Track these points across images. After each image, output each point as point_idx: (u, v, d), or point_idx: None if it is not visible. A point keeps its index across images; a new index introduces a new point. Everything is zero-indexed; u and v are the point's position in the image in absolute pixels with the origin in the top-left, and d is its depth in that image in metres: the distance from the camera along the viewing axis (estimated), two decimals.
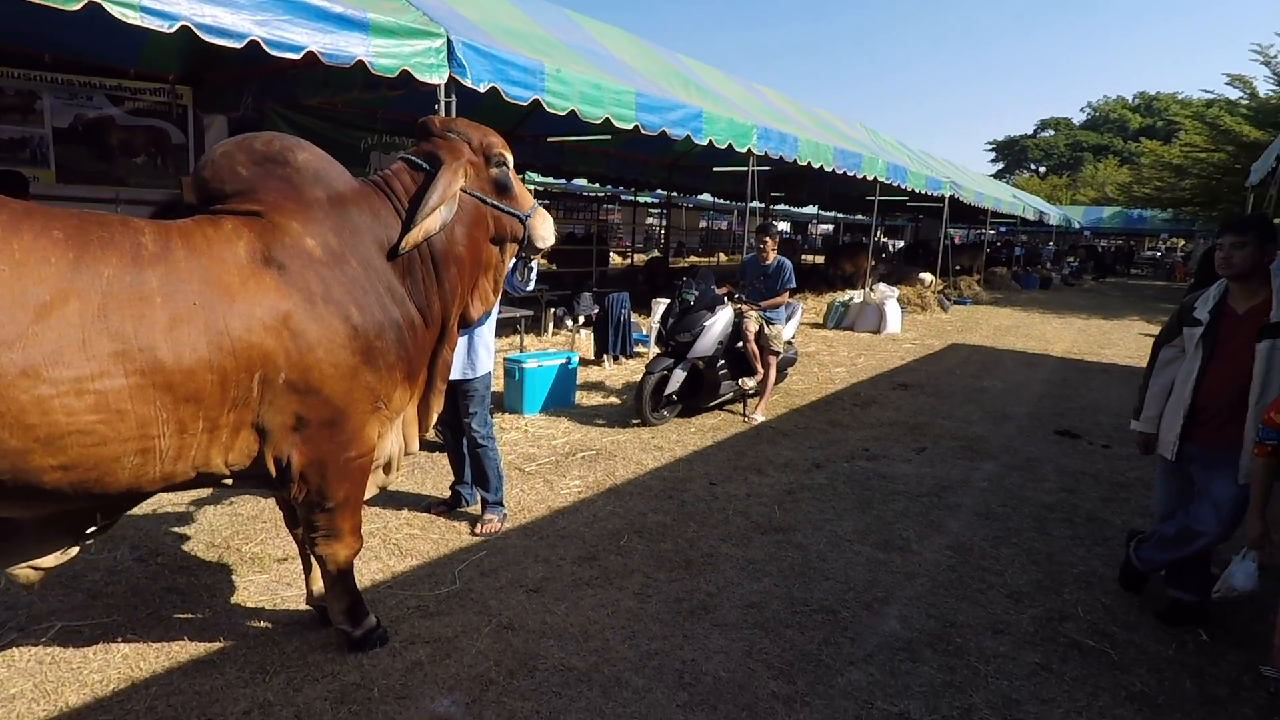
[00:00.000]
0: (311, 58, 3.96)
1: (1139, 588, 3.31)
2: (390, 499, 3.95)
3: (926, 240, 24.58)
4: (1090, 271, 26.49)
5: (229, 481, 2.27)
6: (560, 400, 5.85)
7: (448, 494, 3.95)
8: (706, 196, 21.31)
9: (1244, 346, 2.81)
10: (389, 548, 3.43)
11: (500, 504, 3.77)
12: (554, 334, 8.91)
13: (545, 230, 3.02)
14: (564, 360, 5.84)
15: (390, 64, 4.23)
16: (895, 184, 11.37)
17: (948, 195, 13.87)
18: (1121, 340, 11.50)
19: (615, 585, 3.17)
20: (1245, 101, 17.87)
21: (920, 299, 13.96)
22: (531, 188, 19.48)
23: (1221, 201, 18.73)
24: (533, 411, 5.67)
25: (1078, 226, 32.03)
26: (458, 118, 3.00)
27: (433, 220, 2.52)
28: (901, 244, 28.98)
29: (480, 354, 3.65)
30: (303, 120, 7.28)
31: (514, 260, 3.46)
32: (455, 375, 3.54)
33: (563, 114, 5.28)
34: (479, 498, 3.78)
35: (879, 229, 29.49)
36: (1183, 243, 35.26)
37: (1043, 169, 54.36)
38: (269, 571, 3.18)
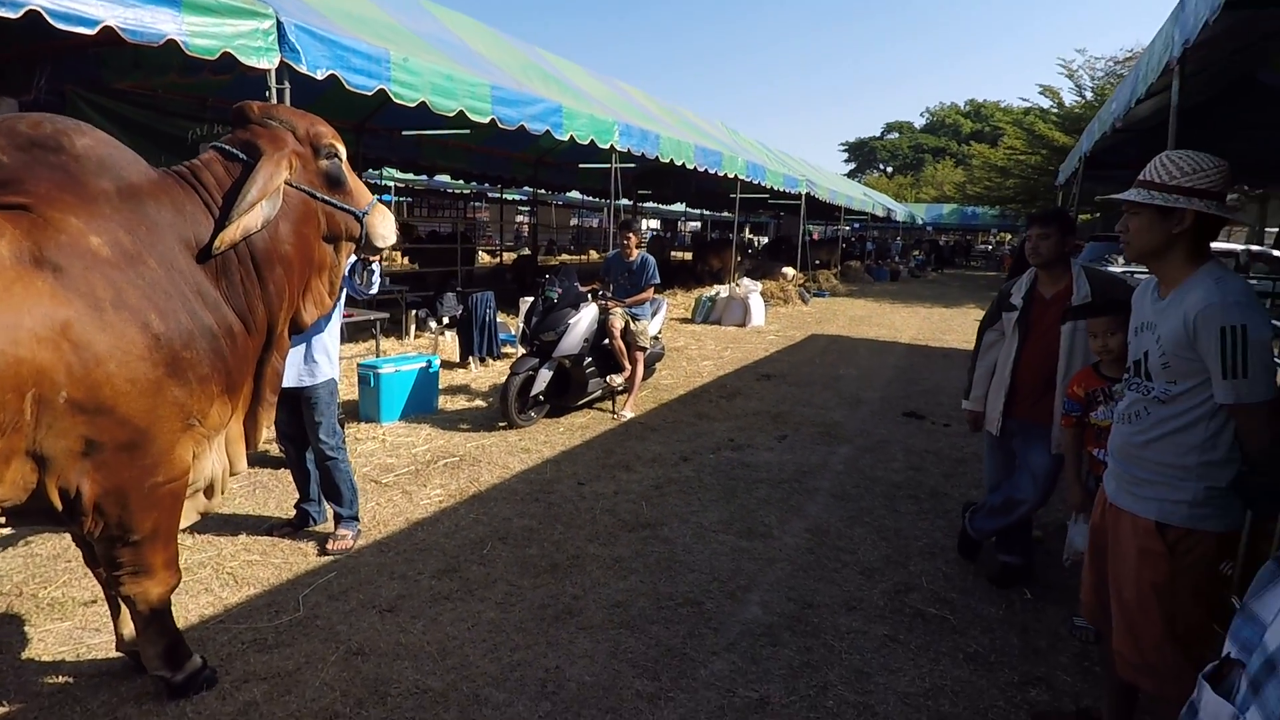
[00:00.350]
0: (112, 34, 3.52)
1: (974, 555, 3.58)
2: (225, 523, 3.60)
3: (788, 236, 25.73)
4: (933, 264, 28.73)
5: (1, 520, 1.95)
6: (422, 406, 5.59)
7: (293, 513, 3.65)
8: (576, 194, 21.24)
9: (1052, 328, 3.09)
10: (221, 577, 3.11)
11: (354, 518, 3.53)
12: (416, 337, 8.53)
13: (385, 229, 2.83)
14: (424, 364, 5.58)
15: (209, 45, 3.84)
16: (755, 182, 11.79)
17: (804, 193, 14.56)
18: (960, 326, 12.52)
19: (477, 596, 3.04)
20: (1055, 110, 20.00)
21: (783, 292, 14.58)
22: (392, 184, 18.60)
23: (1039, 199, 20.88)
24: (391, 419, 5.38)
25: (922, 222, 34.72)
26: (281, 104, 2.76)
27: (253, 217, 2.28)
28: (765, 240, 30.20)
29: (320, 359, 3.39)
30: (114, 106, 6.50)
31: (352, 261, 3.25)
32: (291, 383, 3.28)
33: (412, 105, 5.03)
34: (331, 513, 3.52)
35: (743, 226, 30.57)
36: (1009, 237, 39.08)
37: (890, 169, 58.46)
38: (72, 618, 2.79)
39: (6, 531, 3.33)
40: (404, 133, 10.22)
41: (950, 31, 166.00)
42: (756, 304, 11.60)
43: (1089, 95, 19.33)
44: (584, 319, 5.46)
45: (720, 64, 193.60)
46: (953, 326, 12.59)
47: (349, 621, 2.81)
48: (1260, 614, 0.73)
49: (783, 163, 14.85)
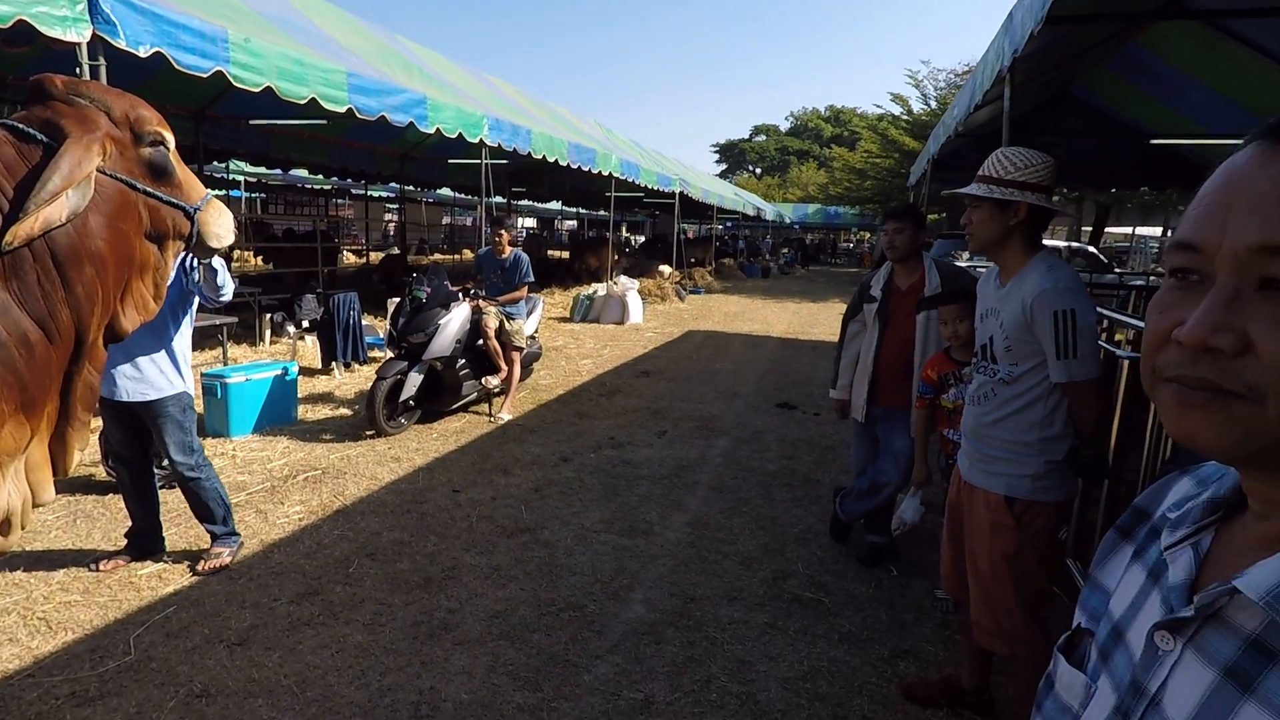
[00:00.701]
0: None
1: (845, 537, 3.72)
2: (36, 561, 3.15)
3: (664, 234, 26.17)
4: (800, 261, 30.15)
5: None
6: (278, 417, 5.17)
7: (122, 543, 3.25)
8: (447, 191, 20.57)
9: (909, 318, 3.26)
10: (31, 624, 2.70)
11: (233, 534, 3.28)
12: (272, 343, 7.92)
13: (221, 226, 2.54)
14: (280, 371, 5.16)
15: (1, 11, 3.33)
16: (630, 180, 11.85)
17: (679, 192, 14.82)
18: (827, 320, 13.18)
19: (342, 619, 2.81)
20: (905, 117, 21.50)
21: (660, 290, 14.78)
22: (240, 178, 17.23)
23: (893, 199, 22.35)
24: (243, 433, 4.93)
25: (789, 221, 36.38)
26: (93, 81, 2.42)
27: (55, 208, 1.96)
28: (642, 239, 30.57)
29: (166, 371, 3.05)
30: None
31: (191, 263, 2.93)
32: (129, 397, 2.93)
33: (257, 91, 4.61)
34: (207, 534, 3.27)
35: (620, 224, 30.78)
36: (868, 235, 41.75)
37: (759, 170, 60.85)
38: None
39: None
40: (251, 122, 9.46)
41: (812, 40, 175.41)
42: (634, 302, 11.67)
43: (933, 104, 20.92)
44: (455, 319, 5.25)
45: (594, 68, 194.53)
46: (820, 320, 13.23)
47: (191, 660, 2.52)
48: (1105, 582, 0.74)
49: (657, 162, 15.04)
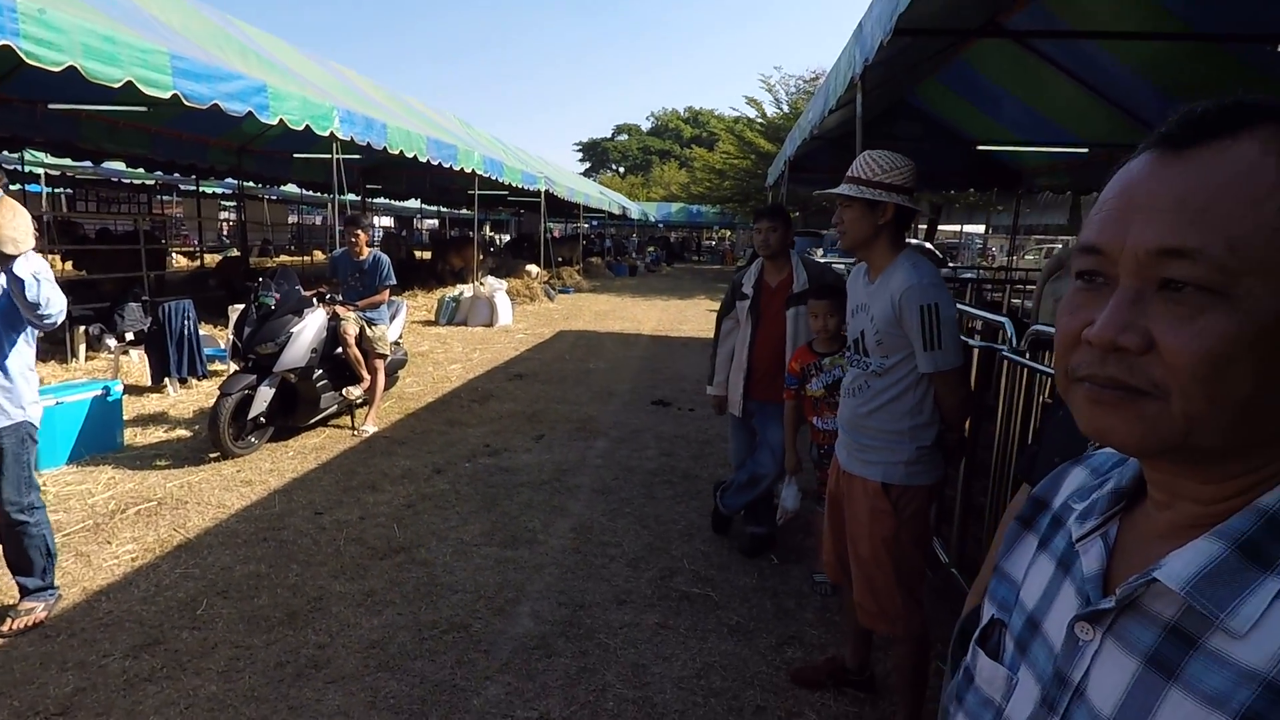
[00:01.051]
0: None
1: (726, 529, 3.80)
2: None
3: (530, 233, 25.86)
4: (665, 260, 30.77)
5: None
6: (100, 444, 4.56)
7: None
8: (293, 188, 19.18)
9: (780, 313, 3.36)
10: None
11: (51, 587, 2.85)
12: (89, 359, 7.01)
13: (14, 228, 2.19)
14: (99, 391, 4.55)
15: None
16: (494, 178, 11.54)
17: (544, 190, 14.64)
18: (694, 316, 13.52)
19: (190, 670, 2.50)
20: (759, 120, 22.44)
21: (529, 290, 14.55)
22: (41, 171, 15.16)
23: (752, 199, 23.32)
24: (55, 464, 4.30)
25: (654, 220, 37.03)
26: None
27: None
28: (507, 238, 30.04)
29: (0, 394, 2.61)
30: None
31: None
32: None
33: (58, 70, 4.03)
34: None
35: (484, 223, 30.09)
36: (729, 233, 43.33)
37: (622, 169, 61.49)
38: None
39: None
40: (51, 106, 8.31)
41: (671, 41, 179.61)
42: (503, 303, 11.41)
43: (785, 108, 22.00)
44: (309, 327, 4.86)
45: (445, 60, 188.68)
46: (688, 316, 13.54)
47: None
48: (1012, 573, 0.76)
49: (521, 160, 14.77)
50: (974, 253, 23.97)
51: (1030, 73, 6.55)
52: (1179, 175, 0.52)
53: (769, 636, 2.86)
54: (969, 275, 9.71)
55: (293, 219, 31.17)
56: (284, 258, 23.14)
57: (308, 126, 6.24)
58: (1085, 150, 7.64)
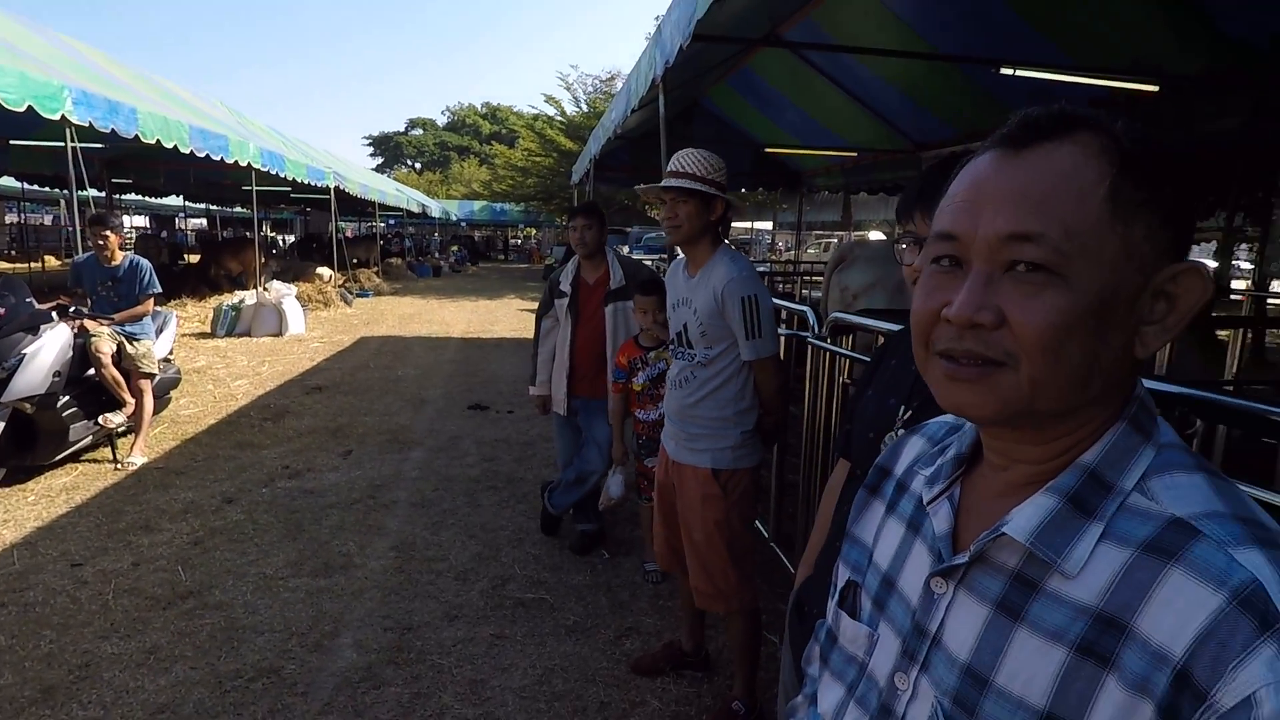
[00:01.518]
0: None
1: (556, 530, 3.77)
2: None
3: (319, 234, 23.94)
4: (469, 259, 29.91)
5: None
6: None
7: None
8: (11, 181, 16.13)
9: (598, 311, 3.39)
10: None
11: None
12: None
13: None
14: None
15: None
16: (273, 172, 10.51)
17: (333, 186, 13.60)
18: (505, 317, 13.28)
19: None
20: (560, 118, 22.51)
21: (322, 295, 13.46)
22: None
23: (556, 197, 23.35)
24: None
25: (456, 219, 35.84)
26: None
27: None
28: (293, 238, 27.56)
29: None
30: None
31: None
32: None
33: None
34: None
35: (263, 223, 27.42)
36: (535, 231, 43.03)
37: (418, 165, 58.90)
38: None
39: None
40: None
41: (464, 33, 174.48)
42: (293, 309, 10.44)
43: (584, 107, 22.26)
44: (49, 346, 4.10)
45: (201, 40, 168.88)
46: (499, 317, 13.28)
47: None
48: (862, 537, 0.82)
49: (305, 153, 13.57)
50: (764, 248, 26.01)
51: (806, 82, 7.19)
52: (1021, 171, 0.58)
53: (607, 631, 2.88)
54: (762, 269, 10.47)
55: (12, 218, 26.26)
56: (2, 264, 19.43)
57: (30, 108, 5.26)
58: (855, 154, 8.53)
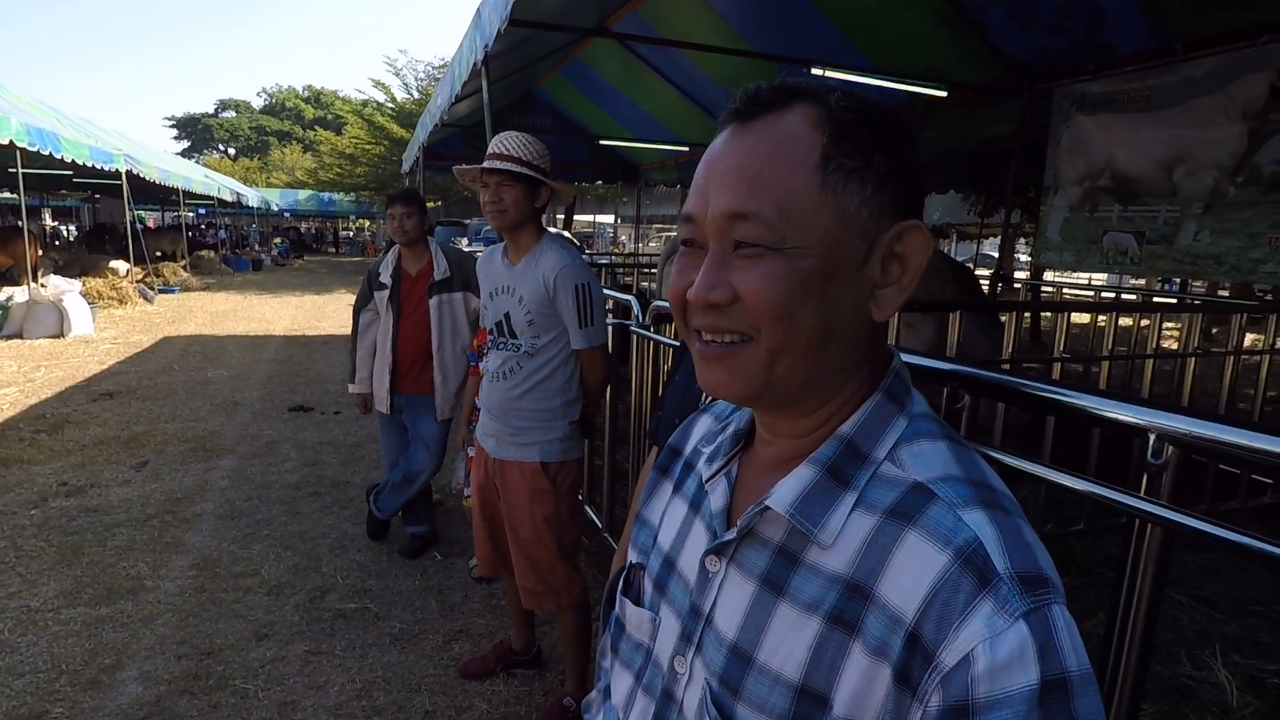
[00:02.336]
0: None
1: (384, 534, 3.57)
2: None
3: (113, 224, 21.22)
4: (292, 252, 27.69)
5: None
6: None
7: None
8: None
9: (422, 303, 3.23)
10: None
11: None
12: None
13: None
14: None
15: None
16: (46, 152, 9.12)
17: (125, 171, 12.04)
18: (335, 312, 12.42)
19: None
20: (389, 104, 21.37)
21: (116, 291, 11.93)
22: None
23: (388, 187, 22.14)
24: None
25: (278, 208, 33.06)
26: None
27: None
28: (79, 228, 24.20)
29: None
30: None
31: None
32: None
33: None
34: None
35: (39, 210, 23.92)
36: (368, 223, 40.61)
37: (232, 151, 53.79)
38: None
39: None
40: None
41: (285, 16, 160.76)
42: (77, 307, 9.15)
43: (415, 93, 21.30)
44: None
45: None
46: (328, 313, 12.42)
47: None
48: (650, 519, 0.80)
49: (88, 133, 11.89)
50: (606, 240, 26.26)
51: (637, 76, 7.30)
52: (741, 147, 0.58)
53: (435, 637, 2.76)
54: (604, 261, 10.56)
55: None
56: None
57: None
58: (687, 148, 8.79)
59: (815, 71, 4.97)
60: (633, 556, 0.80)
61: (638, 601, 0.75)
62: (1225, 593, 3.03)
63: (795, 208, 0.55)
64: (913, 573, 0.51)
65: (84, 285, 10.65)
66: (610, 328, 3.06)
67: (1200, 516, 0.97)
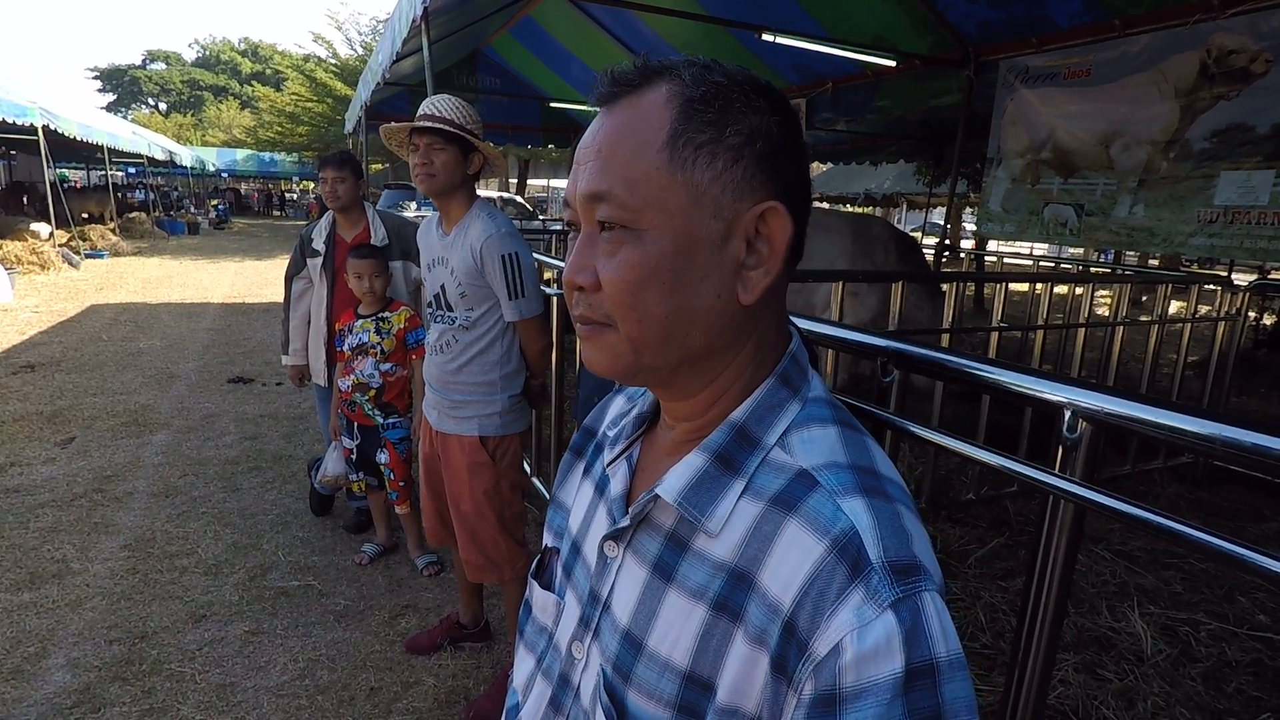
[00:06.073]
0: None
1: (328, 509, 3.50)
2: None
3: (31, 183, 19.99)
4: (227, 215, 26.50)
5: None
6: None
7: None
8: None
9: None
10: None
11: None
12: None
13: None
14: None
15: None
16: None
17: (42, 125, 11.30)
18: (277, 279, 12.00)
19: None
20: (332, 60, 20.47)
21: (37, 256, 11.29)
22: None
23: (333, 147, 21.32)
24: None
25: (216, 169, 31.61)
26: None
27: None
28: None
29: None
30: None
31: None
32: None
33: None
34: None
35: None
36: (312, 185, 39.18)
37: (163, 105, 51.03)
38: None
39: None
40: None
41: None
42: None
43: (359, 49, 20.44)
44: None
45: None
46: (270, 279, 12.00)
47: None
48: (565, 501, 0.79)
49: None
50: (560, 206, 25.86)
51: (589, 36, 7.13)
52: (602, 128, 0.57)
53: (381, 613, 2.73)
54: (557, 227, 10.40)
55: None
56: None
57: None
58: None
59: (766, 37, 4.92)
60: (548, 539, 0.80)
61: (547, 586, 0.75)
62: (1143, 547, 3.20)
63: (646, 185, 0.54)
64: (791, 562, 0.52)
65: (1, 249, 10.05)
66: (555, 299, 3.01)
67: (1110, 494, 1.01)
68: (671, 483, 0.59)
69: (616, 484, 0.67)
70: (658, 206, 0.54)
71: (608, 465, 0.70)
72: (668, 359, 0.58)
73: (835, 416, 0.60)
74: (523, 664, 0.77)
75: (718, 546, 0.56)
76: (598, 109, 0.59)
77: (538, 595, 0.76)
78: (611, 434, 0.73)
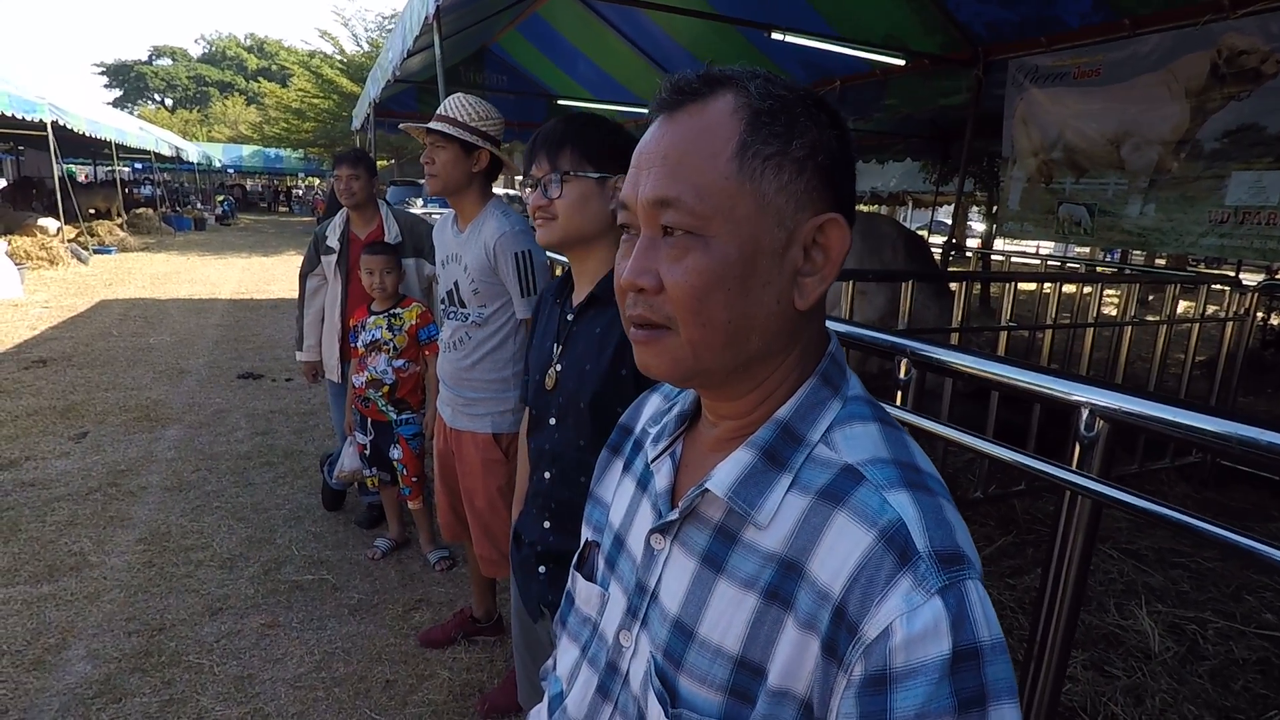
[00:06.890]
0: None
1: (340, 505, 3.53)
2: None
3: (40, 178, 20.10)
4: (233, 211, 26.55)
5: None
6: None
7: None
8: None
9: None
10: None
11: None
12: None
13: None
14: None
15: None
16: None
17: (50, 121, 11.36)
18: (284, 275, 12.05)
19: None
20: (339, 56, 20.50)
21: (46, 251, 11.35)
22: None
23: (338, 143, 21.36)
24: None
25: (221, 165, 31.69)
26: None
27: None
28: (1, 182, 22.86)
29: None
30: None
31: None
32: None
33: None
34: None
35: None
36: (319, 181, 39.21)
37: (169, 101, 51.16)
38: None
39: None
40: None
41: None
42: (2, 268, 8.70)
43: (365, 45, 20.46)
44: None
45: None
46: (276, 275, 12.05)
47: None
48: (603, 497, 0.82)
49: (4, 78, 11.15)
50: None
51: (598, 35, 7.14)
52: (667, 135, 0.59)
53: (395, 607, 2.76)
54: None
55: None
56: None
57: None
58: (646, 110, 8.67)
59: (776, 36, 4.93)
60: (588, 534, 0.82)
61: (590, 577, 0.78)
62: (1151, 546, 3.21)
63: (715, 193, 0.56)
64: (841, 551, 0.54)
65: (9, 244, 10.12)
66: None
67: (1127, 490, 1.03)
68: (721, 477, 0.62)
69: (661, 479, 0.70)
70: (725, 214, 0.56)
71: (651, 461, 0.72)
72: (724, 363, 0.60)
73: (874, 414, 0.63)
74: (566, 653, 0.79)
75: (767, 538, 0.59)
76: (656, 115, 0.61)
77: (581, 587, 0.78)
78: (653, 431, 0.75)
